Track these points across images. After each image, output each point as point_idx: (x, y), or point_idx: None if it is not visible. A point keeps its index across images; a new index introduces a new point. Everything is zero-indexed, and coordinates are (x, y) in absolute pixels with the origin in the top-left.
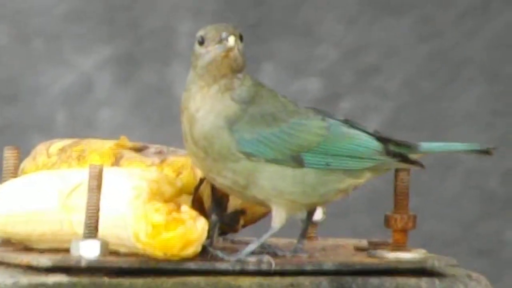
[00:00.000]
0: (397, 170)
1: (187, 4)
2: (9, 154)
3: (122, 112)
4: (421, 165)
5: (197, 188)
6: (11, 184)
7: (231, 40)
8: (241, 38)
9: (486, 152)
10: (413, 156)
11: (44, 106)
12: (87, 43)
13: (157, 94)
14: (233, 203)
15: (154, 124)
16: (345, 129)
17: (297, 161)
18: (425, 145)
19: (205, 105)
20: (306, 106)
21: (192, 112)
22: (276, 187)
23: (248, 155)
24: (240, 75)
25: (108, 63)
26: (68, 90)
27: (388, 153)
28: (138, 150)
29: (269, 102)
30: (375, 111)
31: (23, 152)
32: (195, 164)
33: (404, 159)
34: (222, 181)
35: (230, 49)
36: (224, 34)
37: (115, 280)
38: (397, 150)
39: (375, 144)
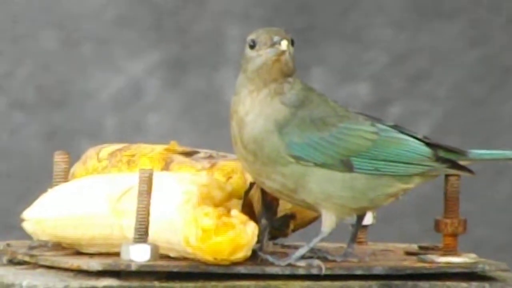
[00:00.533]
0: (447, 175)
1: (235, 9)
2: (59, 158)
3: (171, 117)
4: (471, 172)
5: (247, 192)
6: (61, 188)
7: (284, 44)
8: (292, 42)
9: None
10: (462, 163)
11: (93, 111)
12: (136, 48)
13: (206, 99)
14: (283, 208)
15: (202, 129)
16: (395, 134)
17: (347, 166)
18: (475, 152)
19: (255, 109)
20: (355, 111)
21: (241, 115)
22: (325, 191)
23: (298, 159)
24: (290, 79)
25: (157, 68)
26: (117, 95)
27: (438, 159)
28: (188, 154)
29: (319, 107)
30: (425, 116)
31: (73, 157)
32: (244, 168)
33: (454, 165)
34: (271, 185)
35: (282, 53)
36: (276, 38)
37: (166, 284)
38: (447, 157)
39: (425, 150)
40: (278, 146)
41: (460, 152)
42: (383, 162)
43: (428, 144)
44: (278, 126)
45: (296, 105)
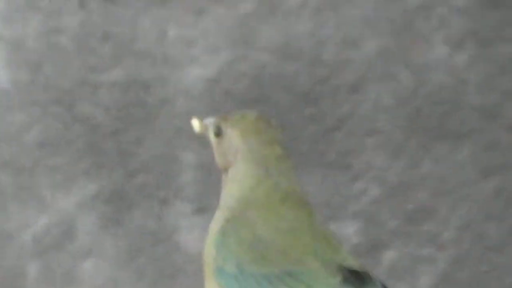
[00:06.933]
0: None
1: (189, 128)
2: None
3: (110, 264)
4: None
5: None
6: None
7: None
8: (218, 131)
9: None
10: None
11: (13, 257)
12: (66, 178)
13: (155, 242)
14: None
15: (150, 279)
16: None
17: None
18: None
19: None
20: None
21: None
22: None
23: None
24: (227, 175)
25: (93, 203)
26: (42, 236)
27: None
28: None
29: (266, 227)
30: (427, 264)
31: None
32: None
33: None
34: None
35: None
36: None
37: None
38: None
39: None
40: (211, 261)
41: None
42: None
43: None
44: (214, 239)
45: (226, 211)
